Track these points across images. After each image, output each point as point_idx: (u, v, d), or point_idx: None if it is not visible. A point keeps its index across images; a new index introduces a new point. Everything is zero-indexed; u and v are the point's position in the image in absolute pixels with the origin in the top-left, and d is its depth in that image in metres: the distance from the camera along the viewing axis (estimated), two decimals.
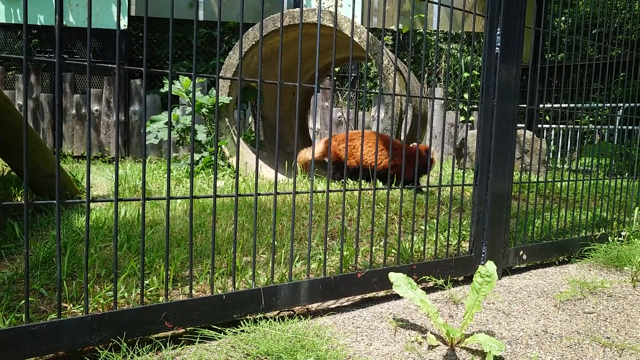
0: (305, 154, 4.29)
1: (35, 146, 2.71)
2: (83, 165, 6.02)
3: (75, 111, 6.84)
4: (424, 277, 1.90)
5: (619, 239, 2.63)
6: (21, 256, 2.03)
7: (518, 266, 2.29)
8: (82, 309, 1.51)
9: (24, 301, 1.22)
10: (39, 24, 7.10)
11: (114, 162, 1.29)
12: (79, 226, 2.38)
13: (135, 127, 7.00)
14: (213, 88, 5.73)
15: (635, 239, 2.64)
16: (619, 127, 5.17)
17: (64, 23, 7.10)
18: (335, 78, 8.52)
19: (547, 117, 7.19)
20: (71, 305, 1.55)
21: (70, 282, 1.71)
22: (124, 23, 7.33)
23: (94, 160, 6.63)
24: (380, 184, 3.85)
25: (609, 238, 2.61)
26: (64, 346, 1.21)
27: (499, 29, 1.96)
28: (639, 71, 2.86)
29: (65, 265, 1.81)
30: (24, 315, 1.20)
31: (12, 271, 1.80)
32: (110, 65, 1.27)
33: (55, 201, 1.16)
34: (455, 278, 2.06)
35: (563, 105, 5.07)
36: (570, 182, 2.61)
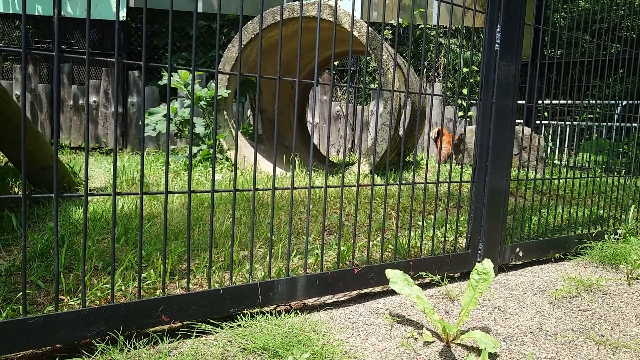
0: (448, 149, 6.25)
1: (32, 138, 2.70)
2: (81, 156, 6.00)
3: (73, 102, 6.80)
4: (420, 273, 1.90)
5: (615, 236, 2.64)
6: (18, 248, 2.03)
7: (514, 263, 2.30)
8: (79, 301, 1.51)
9: (21, 293, 1.22)
10: (37, 14, 7.06)
11: (112, 154, 1.29)
12: (77, 218, 2.38)
13: (133, 119, 6.97)
14: (212, 80, 5.71)
15: (631, 237, 2.65)
16: (617, 124, 5.17)
17: (62, 13, 7.05)
18: (334, 72, 8.51)
19: (546, 114, 7.19)
20: (68, 297, 1.55)
21: (68, 275, 1.71)
22: (122, 14, 7.29)
23: (92, 152, 6.61)
24: (378, 179, 3.90)
25: (605, 236, 2.62)
26: (61, 339, 1.21)
27: (498, 26, 1.95)
28: (638, 68, 2.86)
29: (63, 258, 1.81)
30: (21, 307, 1.21)
31: (10, 263, 1.80)
32: (109, 60, 1.26)
33: (53, 194, 1.16)
34: (452, 274, 2.07)
35: (562, 101, 5.07)
36: (568, 179, 2.62)
